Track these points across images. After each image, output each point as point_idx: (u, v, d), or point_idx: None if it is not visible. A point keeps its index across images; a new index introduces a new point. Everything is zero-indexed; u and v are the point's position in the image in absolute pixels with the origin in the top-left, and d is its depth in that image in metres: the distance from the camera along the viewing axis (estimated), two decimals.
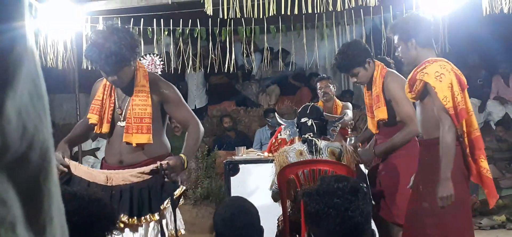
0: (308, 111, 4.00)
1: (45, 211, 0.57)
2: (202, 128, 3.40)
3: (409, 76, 3.34)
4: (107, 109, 3.31)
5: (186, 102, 8.04)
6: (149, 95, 3.28)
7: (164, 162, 3.11)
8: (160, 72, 4.64)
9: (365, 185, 2.19)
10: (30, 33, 0.57)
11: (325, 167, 3.82)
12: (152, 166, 3.13)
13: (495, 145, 7.94)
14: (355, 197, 2.02)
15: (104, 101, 3.31)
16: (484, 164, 3.32)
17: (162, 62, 4.68)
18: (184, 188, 3.29)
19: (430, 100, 3.22)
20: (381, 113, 3.93)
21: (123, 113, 3.29)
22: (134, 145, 3.25)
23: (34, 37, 0.59)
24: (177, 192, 3.19)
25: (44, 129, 0.57)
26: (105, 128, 3.31)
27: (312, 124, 3.89)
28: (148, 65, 4.62)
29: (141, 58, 4.71)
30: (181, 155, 3.22)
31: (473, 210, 7.14)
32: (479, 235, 6.22)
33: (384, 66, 4.01)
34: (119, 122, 3.31)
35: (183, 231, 3.23)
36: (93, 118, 3.31)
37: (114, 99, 3.32)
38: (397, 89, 3.83)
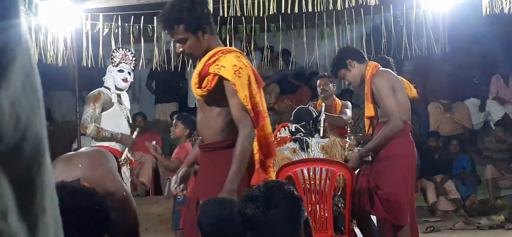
0: (292, 118, 4.40)
1: (38, 202, 0.58)
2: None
3: (198, 69, 2.76)
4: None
5: (186, 100, 8.08)
6: None
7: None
8: (133, 68, 4.65)
9: (291, 189, 2.00)
10: (24, 27, 0.58)
11: (324, 166, 3.88)
12: None
13: (495, 146, 7.94)
14: (268, 205, 1.90)
15: None
16: (272, 174, 2.85)
17: (134, 58, 4.71)
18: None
19: (219, 99, 2.68)
20: (368, 111, 4.02)
21: None
22: None
23: (28, 31, 0.60)
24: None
25: (37, 120, 0.58)
26: None
27: (297, 127, 4.24)
28: (121, 59, 4.63)
29: (114, 51, 4.71)
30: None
31: (471, 209, 7.17)
32: (477, 235, 6.22)
33: (377, 65, 4.06)
34: None
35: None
36: None
37: None
38: (382, 85, 3.89)
